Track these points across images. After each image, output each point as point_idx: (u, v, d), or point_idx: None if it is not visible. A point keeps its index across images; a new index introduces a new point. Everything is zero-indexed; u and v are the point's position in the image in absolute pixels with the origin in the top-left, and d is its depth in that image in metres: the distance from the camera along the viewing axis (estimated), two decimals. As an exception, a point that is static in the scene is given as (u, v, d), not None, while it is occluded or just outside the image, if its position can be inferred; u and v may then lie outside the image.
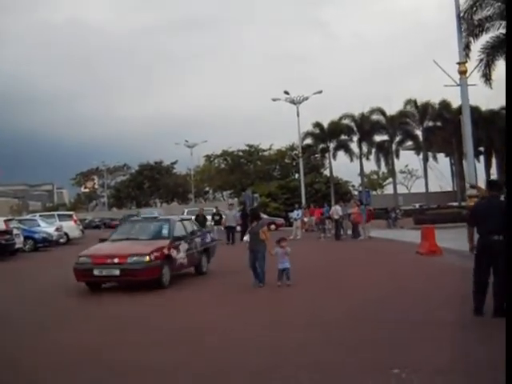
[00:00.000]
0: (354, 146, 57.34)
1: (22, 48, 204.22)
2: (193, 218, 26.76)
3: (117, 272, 11.66)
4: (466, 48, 20.62)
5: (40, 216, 34.19)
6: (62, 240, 29.88)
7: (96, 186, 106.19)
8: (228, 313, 9.43)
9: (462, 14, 20.11)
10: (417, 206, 61.56)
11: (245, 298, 10.98)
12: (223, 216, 28.35)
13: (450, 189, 65.23)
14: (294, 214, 32.12)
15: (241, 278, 13.11)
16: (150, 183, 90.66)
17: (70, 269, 12.31)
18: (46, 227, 28.90)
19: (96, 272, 11.77)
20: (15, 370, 6.27)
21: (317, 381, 5.51)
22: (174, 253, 12.68)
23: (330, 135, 56.29)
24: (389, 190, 79.39)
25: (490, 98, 58.05)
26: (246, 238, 12.49)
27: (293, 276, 12.06)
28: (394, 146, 58.41)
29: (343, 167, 59.55)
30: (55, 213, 39.71)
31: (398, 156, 60.11)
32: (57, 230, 29.35)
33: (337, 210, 29.01)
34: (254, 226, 12.37)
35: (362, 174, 60.70)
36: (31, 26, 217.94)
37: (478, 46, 22.68)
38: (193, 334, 7.84)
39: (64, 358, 6.68)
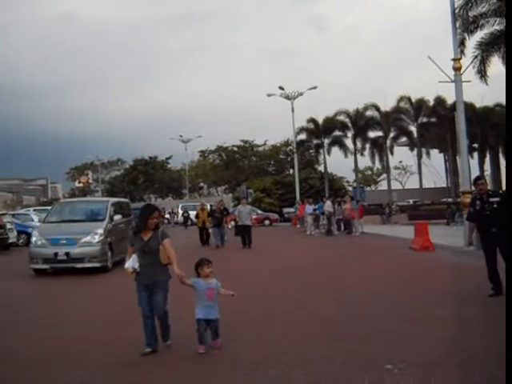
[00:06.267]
0: (348, 142, 57.39)
1: (21, 39, 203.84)
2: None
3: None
4: (461, 44, 20.59)
5: (34, 210, 34.08)
6: (55, 235, 29.73)
7: (90, 181, 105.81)
8: None
9: (456, 11, 20.08)
10: (411, 201, 61.70)
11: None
12: (235, 213, 23.97)
13: (443, 185, 65.42)
14: (310, 210, 30.89)
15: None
16: (145, 178, 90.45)
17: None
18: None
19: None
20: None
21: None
22: None
23: (325, 131, 56.30)
24: (383, 185, 79.55)
25: (484, 95, 58.25)
26: (130, 263, 6.41)
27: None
28: (388, 142, 58.41)
29: (338, 163, 59.64)
30: (49, 207, 39.50)
31: (392, 152, 60.12)
32: (51, 224, 29.19)
33: (327, 206, 28.82)
34: (151, 240, 6.41)
35: (356, 169, 60.71)
36: (21, 19, 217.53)
37: (472, 42, 22.69)
38: None
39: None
